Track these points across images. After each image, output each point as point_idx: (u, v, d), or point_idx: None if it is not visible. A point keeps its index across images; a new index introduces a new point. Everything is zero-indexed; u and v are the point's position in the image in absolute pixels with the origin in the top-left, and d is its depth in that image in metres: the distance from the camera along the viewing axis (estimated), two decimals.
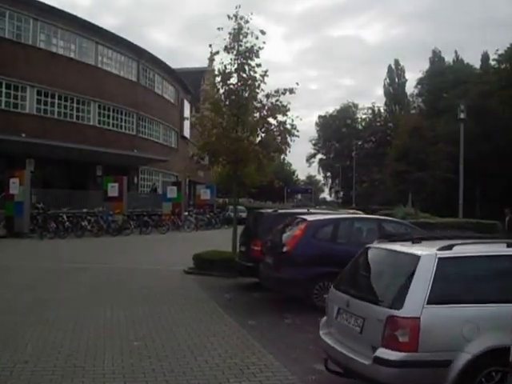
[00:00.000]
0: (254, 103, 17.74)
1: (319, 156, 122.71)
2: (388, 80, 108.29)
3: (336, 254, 11.19)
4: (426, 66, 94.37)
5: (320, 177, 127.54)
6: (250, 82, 17.53)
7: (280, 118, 17.57)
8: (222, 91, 17.84)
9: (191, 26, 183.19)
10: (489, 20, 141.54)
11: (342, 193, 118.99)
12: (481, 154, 56.45)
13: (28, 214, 31.21)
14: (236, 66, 17.62)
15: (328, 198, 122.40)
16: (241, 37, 17.57)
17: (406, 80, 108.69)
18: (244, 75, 17.51)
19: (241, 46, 17.58)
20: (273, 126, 17.66)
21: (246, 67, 17.60)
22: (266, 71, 17.57)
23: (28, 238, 29.63)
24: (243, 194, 76.48)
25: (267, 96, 17.61)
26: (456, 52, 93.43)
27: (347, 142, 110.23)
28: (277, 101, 17.57)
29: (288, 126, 17.54)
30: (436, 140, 51.28)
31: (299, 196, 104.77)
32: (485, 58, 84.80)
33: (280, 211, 15.32)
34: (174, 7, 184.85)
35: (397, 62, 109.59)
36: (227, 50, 17.71)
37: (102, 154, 41.77)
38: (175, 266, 19.07)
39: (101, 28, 45.07)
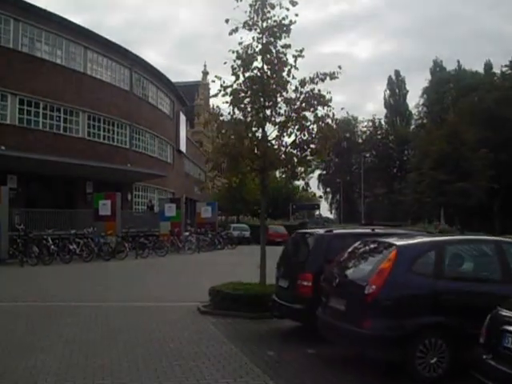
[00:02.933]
0: (284, 94, 13.84)
1: (318, 171, 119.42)
2: (388, 91, 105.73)
3: (447, 295, 7.81)
4: (418, 79, 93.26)
5: (320, 193, 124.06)
6: (278, 66, 13.66)
7: (319, 111, 13.68)
8: (242, 79, 13.87)
9: (182, 45, 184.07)
10: (475, 33, 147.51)
11: (335, 209, 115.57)
12: (500, 163, 52.45)
13: (6, 237, 27.21)
14: (260, 46, 13.76)
15: (323, 215, 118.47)
16: (266, 9, 13.71)
17: (407, 91, 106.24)
18: (271, 57, 13.65)
19: (266, 20, 13.73)
20: (309, 123, 13.73)
21: (273, 48, 13.75)
22: (300, 50, 13.70)
23: (6, 265, 25.63)
24: (244, 211, 73.17)
25: (301, 84, 13.70)
26: (458, 61, 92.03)
27: (347, 156, 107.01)
28: (313, 90, 13.69)
29: (329, 121, 13.65)
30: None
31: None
32: (488, 66, 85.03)
33: (336, 231, 11.34)
34: (164, 27, 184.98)
35: (397, 73, 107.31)
36: (248, 26, 13.82)
37: (92, 168, 37.82)
38: (185, 302, 15.21)
39: (90, 31, 41.35)
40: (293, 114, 13.73)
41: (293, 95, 13.72)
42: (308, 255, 10.65)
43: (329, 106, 13.56)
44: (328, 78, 13.60)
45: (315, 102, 13.59)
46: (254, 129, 13.84)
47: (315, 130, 13.66)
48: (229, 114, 13.98)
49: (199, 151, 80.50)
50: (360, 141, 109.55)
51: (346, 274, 8.59)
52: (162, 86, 55.16)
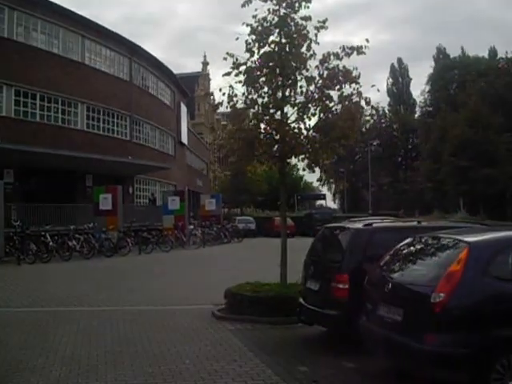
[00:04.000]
0: (304, 72, 12.35)
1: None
2: (391, 80, 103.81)
3: None
4: (417, 69, 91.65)
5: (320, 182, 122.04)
6: (298, 41, 12.17)
7: (346, 89, 12.19)
8: (257, 56, 12.37)
9: (180, 39, 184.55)
10: (474, 22, 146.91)
11: (337, 199, 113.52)
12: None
13: (2, 233, 25.76)
14: (277, 19, 12.25)
15: (324, 205, 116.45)
16: None
17: (411, 79, 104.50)
18: (289, 31, 12.15)
19: None
20: (333, 104, 12.23)
21: (291, 21, 12.25)
22: (323, 21, 12.18)
23: (2, 264, 24.24)
24: (249, 203, 71.78)
25: (324, 60, 12.21)
26: (462, 48, 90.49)
27: (350, 145, 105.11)
28: (337, 66, 12.20)
29: (358, 100, 12.17)
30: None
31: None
32: (493, 53, 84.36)
33: (377, 225, 9.82)
34: (162, 21, 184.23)
35: (400, 61, 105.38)
36: None
37: (91, 161, 36.40)
38: (197, 305, 13.82)
39: (87, 20, 39.93)
40: (314, 94, 12.24)
41: (315, 72, 12.23)
42: (343, 253, 9.18)
43: (357, 83, 12.07)
44: (355, 52, 12.11)
45: (340, 79, 12.09)
46: (271, 111, 12.36)
47: (340, 110, 12.17)
48: (243, 94, 12.48)
49: (201, 143, 79.11)
50: (363, 129, 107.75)
51: (401, 277, 7.10)
52: (163, 76, 53.70)
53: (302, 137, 12.29)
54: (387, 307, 6.96)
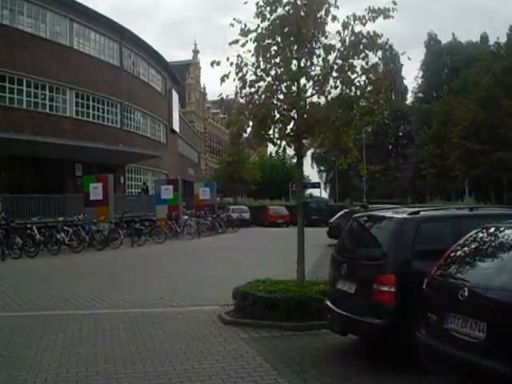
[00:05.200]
0: (323, 40, 10.77)
1: (312, 150, 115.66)
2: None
3: None
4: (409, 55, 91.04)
5: (314, 171, 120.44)
6: (316, 5, 10.58)
7: (371, 58, 10.62)
8: (268, 22, 10.76)
9: (169, 30, 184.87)
10: (462, 10, 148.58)
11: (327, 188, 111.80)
12: None
13: None
14: None
15: (315, 194, 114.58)
16: None
17: (402, 65, 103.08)
18: None
19: None
20: (355, 75, 10.65)
21: None
22: None
23: None
24: (242, 192, 70.10)
25: (345, 24, 10.61)
26: (453, 34, 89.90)
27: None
28: (360, 32, 10.61)
29: (385, 69, 10.60)
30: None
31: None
32: (484, 39, 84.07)
33: (426, 213, 8.17)
34: (151, 12, 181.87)
35: (390, 47, 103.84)
36: None
37: (81, 150, 34.91)
38: (200, 305, 12.34)
39: (75, 2, 38.05)
40: (335, 64, 10.65)
41: (335, 39, 10.64)
42: (386, 249, 7.61)
43: (386, 50, 10.50)
44: (381, 16, 10.51)
45: (366, 47, 10.51)
46: (285, 83, 10.77)
47: (364, 82, 10.60)
48: (253, 65, 10.88)
49: (192, 131, 77.53)
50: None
51: (483, 281, 5.50)
52: (154, 62, 52.00)
53: (321, 113, 10.71)
54: (462, 320, 5.39)
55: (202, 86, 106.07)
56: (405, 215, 7.83)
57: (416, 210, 8.16)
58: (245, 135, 11.51)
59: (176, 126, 58.78)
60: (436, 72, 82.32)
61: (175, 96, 59.66)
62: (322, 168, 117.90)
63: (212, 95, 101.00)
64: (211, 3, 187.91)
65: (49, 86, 35.50)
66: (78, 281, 16.70)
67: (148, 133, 49.68)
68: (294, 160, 55.06)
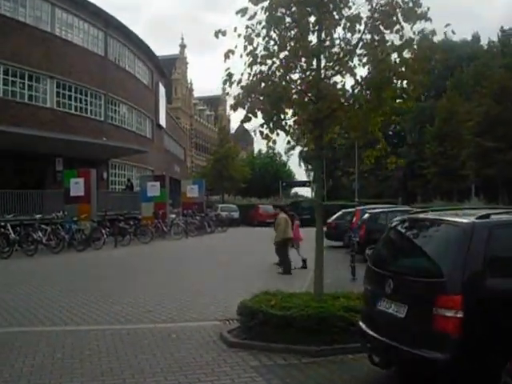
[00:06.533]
0: (346, 11, 8.92)
1: (300, 148, 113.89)
2: None
3: None
4: None
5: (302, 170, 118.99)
6: None
7: (407, 31, 8.75)
8: None
9: (154, 27, 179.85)
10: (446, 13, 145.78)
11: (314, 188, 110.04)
12: None
13: None
14: None
15: (300, 193, 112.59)
16: None
17: None
18: None
19: None
20: (385, 53, 8.78)
21: None
22: None
23: None
24: (230, 190, 68.23)
25: None
26: (445, 33, 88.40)
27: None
28: (392, 1, 8.75)
29: (425, 44, 8.74)
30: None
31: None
32: (476, 38, 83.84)
33: (498, 216, 6.30)
34: (137, 8, 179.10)
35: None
36: None
37: (62, 143, 32.90)
38: (197, 320, 10.53)
39: None
40: (361, 40, 8.81)
41: (362, 8, 8.79)
42: (451, 262, 5.76)
43: (428, 19, 8.63)
44: None
45: (400, 18, 8.67)
46: (303, 59, 8.91)
47: (399, 60, 8.75)
48: (263, 39, 9.00)
49: (179, 127, 75.65)
50: None
51: None
52: (140, 53, 49.93)
53: (346, 95, 8.86)
54: None
55: (189, 81, 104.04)
56: (473, 219, 5.99)
57: (484, 212, 6.31)
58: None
59: (162, 121, 56.80)
60: (428, 69, 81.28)
61: (162, 90, 57.65)
62: (309, 167, 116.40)
63: (198, 92, 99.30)
64: (197, 1, 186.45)
65: (28, 75, 33.42)
66: (53, 287, 14.71)
67: (133, 127, 47.64)
68: (284, 158, 53.72)
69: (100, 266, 19.80)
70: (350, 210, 30.59)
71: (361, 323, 7.00)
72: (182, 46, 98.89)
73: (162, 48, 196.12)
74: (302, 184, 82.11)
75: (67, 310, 11.51)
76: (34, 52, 33.51)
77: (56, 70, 35.20)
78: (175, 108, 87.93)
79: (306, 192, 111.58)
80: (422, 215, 7.34)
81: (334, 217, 29.56)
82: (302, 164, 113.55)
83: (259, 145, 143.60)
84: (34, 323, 10.40)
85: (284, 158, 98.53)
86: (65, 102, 36.67)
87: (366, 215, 22.82)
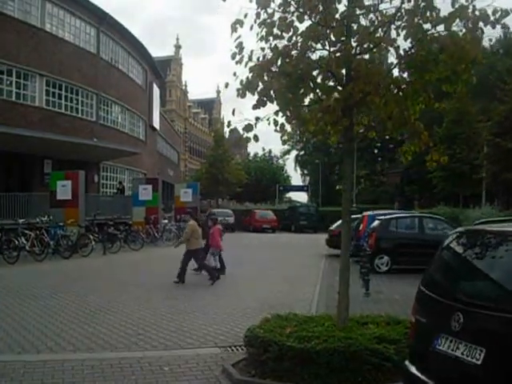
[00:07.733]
0: None
1: (295, 152, 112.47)
2: None
3: None
4: None
5: (298, 174, 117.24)
6: None
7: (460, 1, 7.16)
8: None
9: (150, 30, 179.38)
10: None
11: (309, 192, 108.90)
12: None
13: None
14: None
15: (294, 198, 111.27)
16: None
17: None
18: None
19: None
20: (430, 25, 7.22)
21: None
22: None
23: None
24: (225, 195, 66.73)
25: None
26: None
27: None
28: None
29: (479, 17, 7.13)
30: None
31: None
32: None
33: None
34: (132, 12, 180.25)
35: None
36: None
37: (51, 144, 31.40)
38: (193, 347, 9.01)
39: None
40: (402, 8, 7.25)
41: None
42: None
43: None
44: None
45: None
46: (331, 29, 7.33)
47: (447, 35, 7.16)
48: (279, 7, 7.40)
49: (173, 130, 74.13)
50: None
51: None
52: (134, 52, 48.31)
53: (382, 74, 7.29)
54: None
55: (184, 83, 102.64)
56: None
57: None
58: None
59: (156, 123, 55.22)
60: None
61: (156, 91, 56.04)
62: (305, 171, 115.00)
63: (192, 95, 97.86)
64: (192, 3, 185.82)
65: (16, 72, 31.82)
66: (34, 302, 13.08)
67: (126, 128, 46.04)
68: (280, 161, 51.98)
69: (86, 276, 18.19)
70: (354, 216, 29.03)
71: (408, 364, 5.44)
72: (177, 47, 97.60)
73: (157, 51, 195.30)
74: (300, 188, 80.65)
75: (42, 332, 9.95)
76: (22, 48, 31.94)
77: (46, 67, 33.64)
78: (169, 110, 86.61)
79: (300, 197, 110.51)
80: (486, 227, 5.71)
81: (337, 224, 27.94)
82: (298, 168, 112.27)
83: (254, 148, 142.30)
84: (3, 350, 8.77)
85: (281, 161, 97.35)
86: (54, 101, 35.07)
87: (376, 222, 21.31)
